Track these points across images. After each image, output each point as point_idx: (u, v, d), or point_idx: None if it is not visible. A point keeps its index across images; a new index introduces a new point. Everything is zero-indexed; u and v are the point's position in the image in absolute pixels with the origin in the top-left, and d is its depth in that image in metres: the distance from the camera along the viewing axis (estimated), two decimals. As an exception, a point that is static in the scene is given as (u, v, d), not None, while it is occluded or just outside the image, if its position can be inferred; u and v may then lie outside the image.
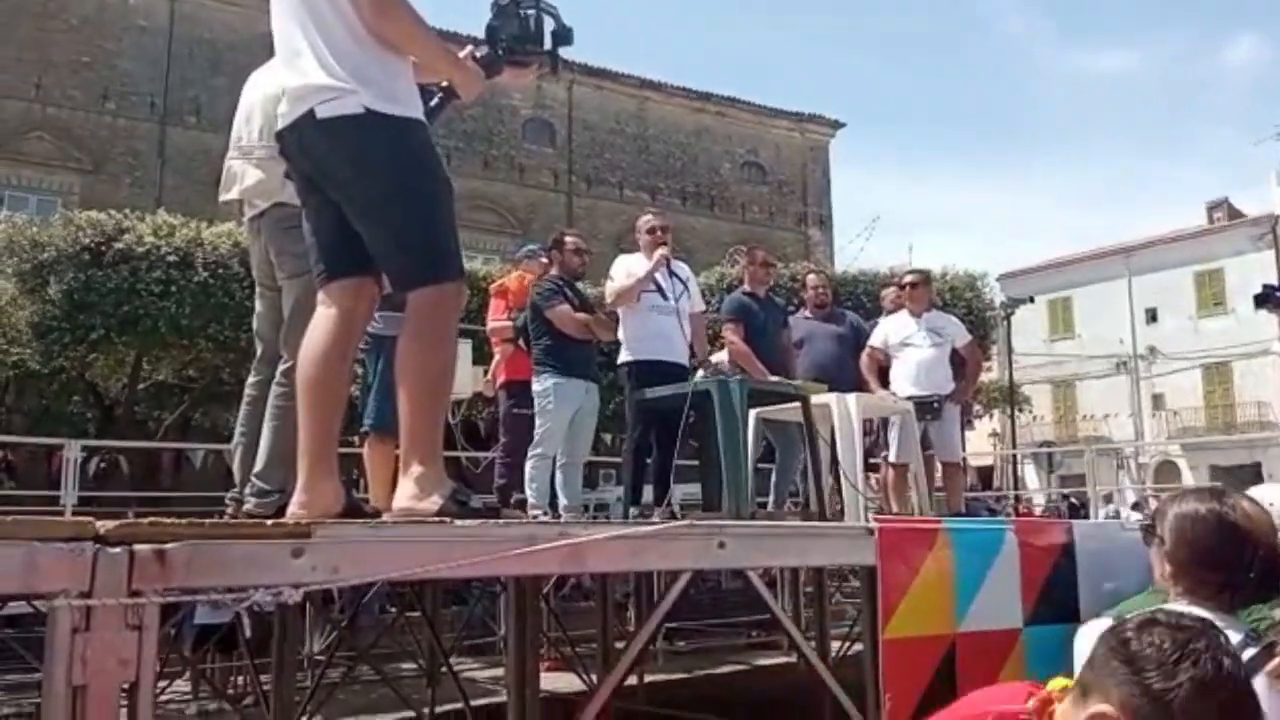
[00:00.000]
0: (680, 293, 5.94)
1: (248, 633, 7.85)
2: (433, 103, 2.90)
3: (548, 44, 2.94)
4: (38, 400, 14.95)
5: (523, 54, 2.94)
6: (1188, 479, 29.65)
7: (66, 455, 9.08)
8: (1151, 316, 35.23)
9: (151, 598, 1.69)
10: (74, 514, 7.72)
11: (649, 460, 5.76)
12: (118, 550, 1.70)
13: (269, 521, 2.48)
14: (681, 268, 6.17)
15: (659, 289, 5.87)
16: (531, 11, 2.92)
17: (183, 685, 8.13)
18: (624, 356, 5.93)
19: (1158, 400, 34.61)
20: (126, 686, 1.72)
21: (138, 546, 1.72)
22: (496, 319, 6.90)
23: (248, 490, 3.46)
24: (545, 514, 5.63)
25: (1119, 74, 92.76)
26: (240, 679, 8.51)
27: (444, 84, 2.90)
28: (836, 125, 33.92)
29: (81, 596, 1.64)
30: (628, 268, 5.98)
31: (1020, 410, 25.47)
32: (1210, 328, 33.22)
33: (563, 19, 2.97)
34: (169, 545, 1.75)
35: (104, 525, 1.73)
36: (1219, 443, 29.23)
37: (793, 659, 9.40)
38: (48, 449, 13.68)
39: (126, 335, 12.59)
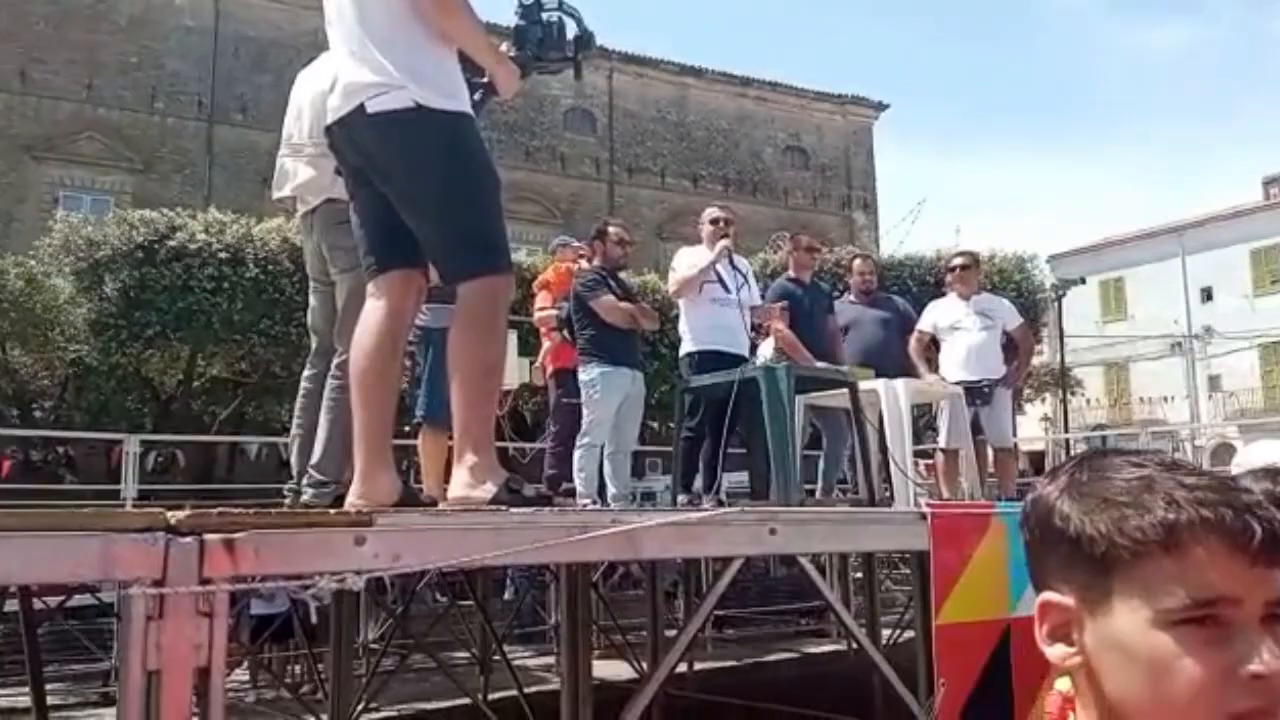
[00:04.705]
0: (741, 285, 5.95)
1: (313, 621, 8.01)
2: (475, 97, 2.93)
3: (570, 49, 2.94)
4: (96, 396, 15.29)
5: (547, 61, 2.94)
6: (1245, 461, 28.91)
7: (125, 449, 9.32)
8: (1207, 295, 34.47)
9: (221, 585, 1.74)
10: (134, 506, 7.91)
11: (701, 448, 5.77)
12: (188, 540, 1.75)
13: (332, 511, 2.53)
14: (741, 261, 6.19)
15: (721, 281, 5.89)
16: (554, 17, 2.92)
17: (241, 674, 8.31)
18: (687, 347, 5.95)
19: (1214, 381, 33.86)
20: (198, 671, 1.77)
21: (208, 536, 1.77)
22: (543, 308, 6.96)
23: (305, 481, 3.52)
24: (594, 503, 5.66)
25: (1173, 49, 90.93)
26: (297, 667, 8.67)
27: (485, 79, 2.92)
28: (880, 107, 33.56)
29: (155, 585, 1.70)
30: (690, 259, 5.99)
31: (1073, 393, 25.09)
32: (1267, 306, 32.41)
33: (584, 22, 2.96)
34: (237, 534, 1.80)
35: (175, 516, 1.79)
36: (1277, 424, 28.57)
37: (842, 646, 9.38)
38: (107, 444, 14.02)
39: (181, 331, 12.86)
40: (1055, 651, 0.86)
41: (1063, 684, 0.94)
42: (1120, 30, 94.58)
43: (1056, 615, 0.85)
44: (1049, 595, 0.86)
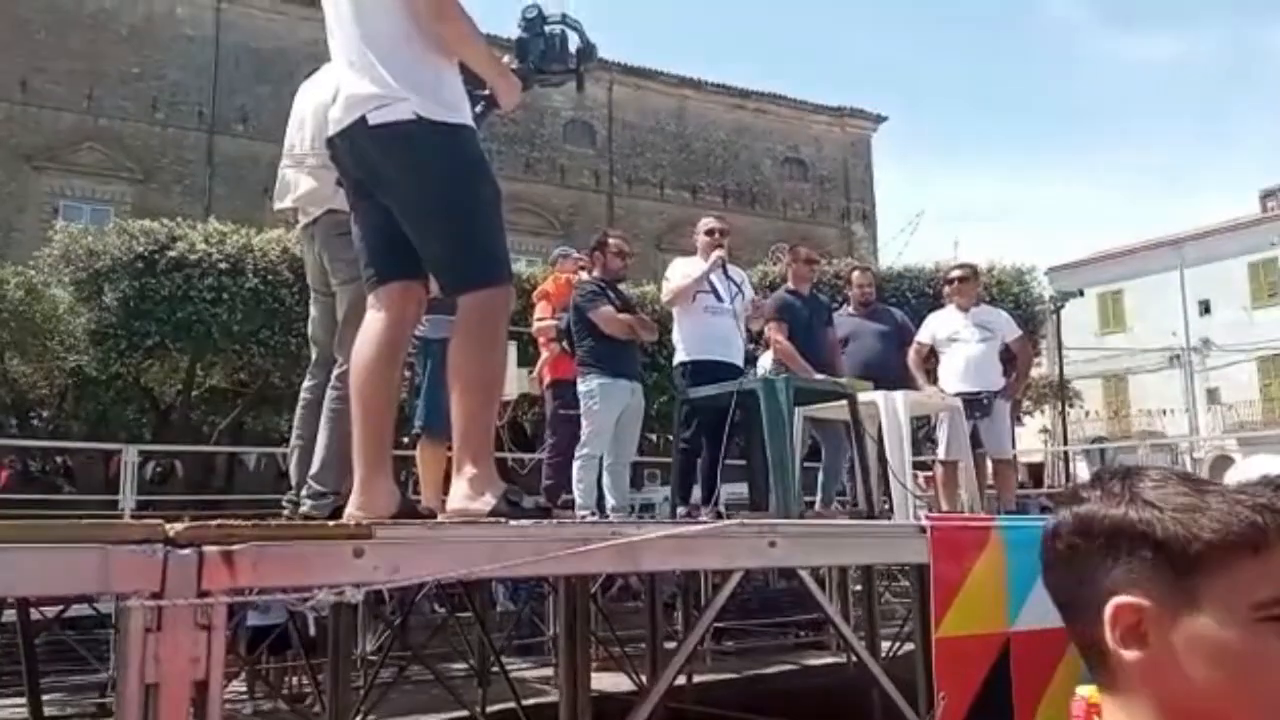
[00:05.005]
0: (735, 294, 5.96)
1: (312, 632, 7.99)
2: (477, 109, 2.93)
3: (572, 62, 2.95)
4: (95, 406, 15.26)
5: (549, 73, 2.95)
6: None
7: (124, 460, 9.30)
8: (1205, 308, 34.52)
9: (220, 598, 1.73)
10: (132, 517, 7.89)
11: (698, 460, 5.77)
12: (187, 552, 1.75)
13: (331, 523, 2.52)
14: (737, 272, 6.21)
15: (714, 290, 5.90)
16: (557, 29, 2.92)
17: (238, 686, 8.28)
18: (680, 357, 5.96)
19: (1212, 394, 33.88)
20: (196, 684, 1.76)
21: (206, 548, 1.76)
22: (542, 318, 6.97)
23: (304, 492, 3.52)
24: (593, 514, 5.65)
25: (1169, 60, 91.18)
26: (295, 679, 8.64)
27: (486, 91, 2.92)
28: (878, 119, 33.65)
29: (153, 597, 1.69)
30: (685, 269, 6.01)
31: (1071, 406, 25.07)
32: (1266, 319, 32.46)
33: (586, 34, 2.96)
34: (236, 546, 1.79)
35: (173, 528, 1.78)
36: (1276, 437, 28.56)
37: (841, 659, 9.36)
38: (105, 454, 14.00)
39: (180, 341, 12.85)
40: (1131, 655, 0.88)
41: (1084, 690, 0.95)
42: (1115, 43, 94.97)
43: (1130, 617, 0.88)
44: (1124, 599, 0.88)
